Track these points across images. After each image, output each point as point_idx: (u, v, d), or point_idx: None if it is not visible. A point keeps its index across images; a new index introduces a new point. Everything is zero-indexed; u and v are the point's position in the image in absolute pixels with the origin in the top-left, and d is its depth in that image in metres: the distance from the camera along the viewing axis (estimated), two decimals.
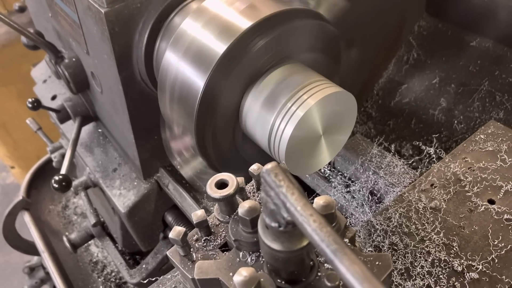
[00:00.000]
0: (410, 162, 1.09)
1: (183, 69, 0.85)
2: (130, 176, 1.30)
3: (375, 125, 1.66)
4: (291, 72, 0.86)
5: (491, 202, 0.92)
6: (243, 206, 0.59)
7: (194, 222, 0.65)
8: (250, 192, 0.72)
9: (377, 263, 0.61)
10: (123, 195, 1.27)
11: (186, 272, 0.65)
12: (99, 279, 1.70)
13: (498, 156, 0.99)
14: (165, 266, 1.46)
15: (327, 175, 1.14)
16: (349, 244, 0.65)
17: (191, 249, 0.66)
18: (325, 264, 0.60)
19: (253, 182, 0.73)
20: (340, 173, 1.15)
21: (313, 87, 0.82)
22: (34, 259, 2.14)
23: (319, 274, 0.59)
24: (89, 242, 1.72)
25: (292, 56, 0.89)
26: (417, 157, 1.09)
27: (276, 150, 0.83)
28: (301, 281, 0.58)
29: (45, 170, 1.99)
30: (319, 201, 0.59)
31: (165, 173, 1.26)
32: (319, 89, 0.81)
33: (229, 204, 0.65)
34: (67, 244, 1.51)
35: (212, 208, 1.18)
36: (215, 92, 0.83)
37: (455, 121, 1.49)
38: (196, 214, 0.66)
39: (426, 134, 1.53)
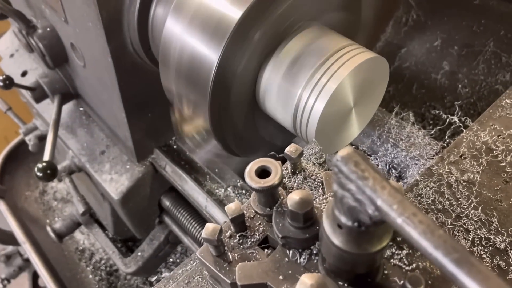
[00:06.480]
0: (431, 132, 1.01)
1: (190, 41, 0.73)
2: (121, 158, 1.18)
3: None
4: (315, 37, 0.75)
5: None
6: (293, 198, 0.50)
7: (229, 218, 0.56)
8: (285, 178, 0.63)
9: None
10: (115, 180, 1.15)
11: (223, 275, 0.55)
12: (88, 268, 1.59)
13: None
14: (161, 253, 1.36)
15: None
16: None
17: (226, 248, 0.57)
18: (391, 260, 0.52)
19: (287, 165, 0.63)
20: (354, 146, 1.06)
21: (343, 54, 0.72)
22: (10, 246, 2.01)
23: (385, 272, 0.51)
24: None
25: (314, 19, 0.78)
26: (438, 127, 1.02)
27: (303, 128, 0.74)
28: (365, 281, 0.50)
29: (18, 154, 1.83)
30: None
31: (160, 154, 1.15)
32: (350, 56, 0.71)
33: (271, 195, 0.55)
34: (52, 235, 1.39)
35: (217, 190, 1.08)
36: (231, 66, 0.72)
37: (459, 85, 1.43)
38: (230, 208, 0.56)
39: (429, 100, 1.47)
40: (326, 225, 0.44)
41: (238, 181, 1.07)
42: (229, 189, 1.06)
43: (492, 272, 0.32)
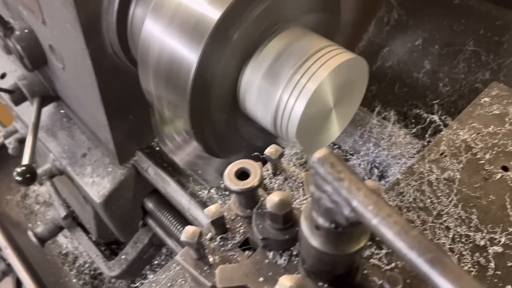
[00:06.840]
0: (413, 131, 1.02)
1: (169, 42, 0.73)
2: (103, 161, 1.17)
3: None
4: (294, 38, 0.75)
5: (505, 169, 0.87)
6: (272, 200, 0.50)
7: (210, 220, 0.55)
8: (266, 179, 0.62)
9: None
10: (97, 183, 1.14)
11: (204, 278, 0.55)
12: (72, 272, 1.57)
13: (506, 119, 0.94)
14: (146, 256, 1.35)
15: None
16: None
17: (206, 251, 0.56)
18: (370, 260, 0.52)
19: (268, 166, 0.63)
20: (336, 146, 1.07)
21: (322, 54, 0.72)
22: None
23: (364, 272, 0.51)
24: None
25: (293, 20, 0.78)
26: (420, 126, 1.04)
27: (283, 128, 0.74)
28: (345, 281, 0.50)
29: None
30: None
31: (143, 156, 1.14)
32: (329, 57, 0.72)
33: (251, 196, 0.55)
34: (34, 239, 1.37)
35: (200, 192, 1.07)
36: (210, 67, 0.72)
37: (440, 84, 1.44)
38: (210, 210, 0.55)
39: (411, 99, 1.48)
40: (304, 227, 0.44)
41: (221, 182, 1.07)
42: (212, 190, 1.05)
43: (464, 271, 0.32)
